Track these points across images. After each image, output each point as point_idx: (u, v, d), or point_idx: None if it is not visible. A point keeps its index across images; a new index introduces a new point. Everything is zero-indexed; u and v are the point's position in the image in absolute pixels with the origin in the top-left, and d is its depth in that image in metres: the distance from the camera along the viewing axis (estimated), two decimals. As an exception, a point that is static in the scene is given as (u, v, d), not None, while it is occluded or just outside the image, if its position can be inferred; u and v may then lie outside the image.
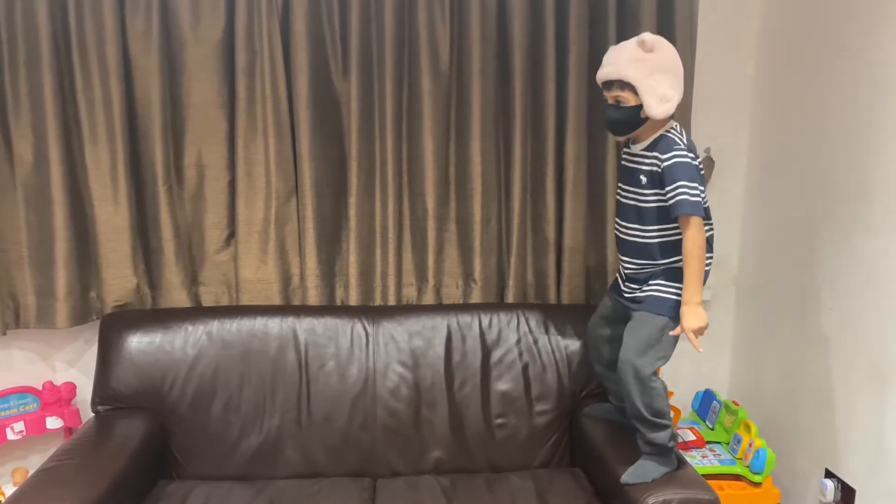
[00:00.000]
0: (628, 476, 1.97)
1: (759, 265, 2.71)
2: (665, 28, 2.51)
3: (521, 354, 2.44)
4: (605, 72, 1.94)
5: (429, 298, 2.64)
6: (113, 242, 2.42)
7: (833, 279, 2.29)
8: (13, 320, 2.37)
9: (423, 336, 2.44)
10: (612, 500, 2.05)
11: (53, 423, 2.45)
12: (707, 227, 1.97)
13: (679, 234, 1.95)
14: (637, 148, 2.00)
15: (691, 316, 1.90)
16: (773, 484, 2.42)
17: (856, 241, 2.18)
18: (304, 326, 2.42)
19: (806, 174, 2.42)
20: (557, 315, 2.50)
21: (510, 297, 2.63)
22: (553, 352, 2.44)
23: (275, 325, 2.41)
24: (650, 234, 2.00)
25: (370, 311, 2.49)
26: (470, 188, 2.57)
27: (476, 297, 2.63)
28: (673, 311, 1.97)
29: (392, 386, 2.38)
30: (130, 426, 2.22)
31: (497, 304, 2.59)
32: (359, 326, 2.44)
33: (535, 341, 2.45)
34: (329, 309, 2.51)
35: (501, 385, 2.41)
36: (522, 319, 2.48)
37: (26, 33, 2.29)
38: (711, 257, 2.01)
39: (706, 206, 1.95)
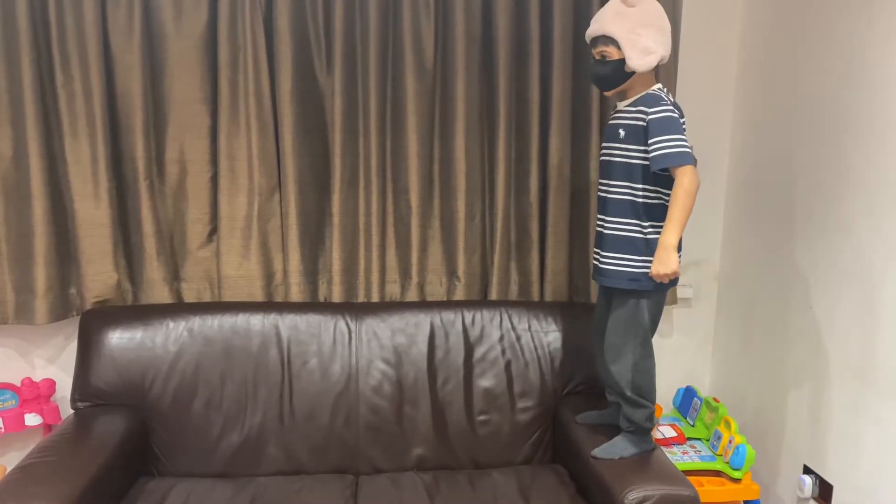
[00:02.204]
0: (600, 451, 2.04)
1: (740, 263, 2.73)
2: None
3: (503, 351, 2.44)
4: (591, 29, 2.00)
5: (412, 295, 2.64)
6: (93, 238, 2.40)
7: (812, 277, 2.31)
8: (-9, 316, 2.35)
9: (407, 333, 2.44)
10: (594, 496, 2.06)
11: (32, 419, 2.42)
12: None
13: (639, 194, 1.98)
14: (623, 104, 2.03)
15: (660, 262, 1.91)
16: (752, 480, 2.44)
17: (834, 239, 2.21)
18: (287, 323, 2.41)
19: (786, 173, 2.44)
20: (540, 312, 2.51)
21: (493, 295, 2.64)
22: (536, 349, 2.45)
23: (257, 322, 2.40)
24: (613, 189, 2.01)
25: (353, 308, 2.49)
26: (454, 185, 2.57)
27: (460, 295, 2.64)
28: (630, 283, 1.99)
29: (375, 383, 2.38)
30: (110, 423, 2.20)
31: (480, 302, 2.60)
32: (342, 323, 2.43)
33: (518, 338, 2.46)
34: (312, 306, 2.50)
35: (484, 382, 2.42)
36: (506, 316, 2.48)
37: (5, 25, 2.26)
38: None
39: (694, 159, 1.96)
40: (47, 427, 2.46)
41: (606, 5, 1.99)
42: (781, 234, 2.46)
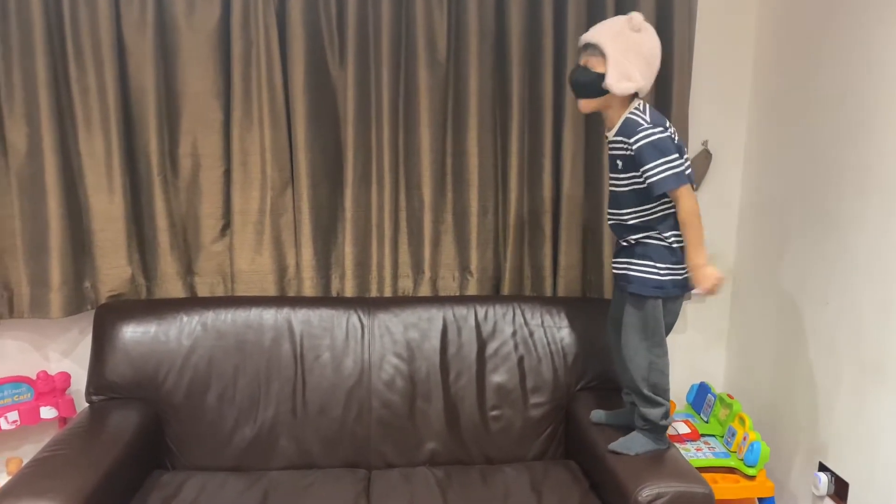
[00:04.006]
0: (617, 445, 2.05)
1: (755, 259, 2.71)
2: (663, 19, 2.50)
3: (516, 347, 2.44)
4: (588, 34, 1.99)
5: (425, 290, 2.63)
6: (107, 232, 2.41)
7: (829, 274, 2.29)
8: (7, 310, 2.36)
9: (419, 328, 2.44)
10: (607, 492, 2.05)
11: (48, 412, 2.44)
12: None
13: (655, 211, 1.98)
14: (611, 135, 2.03)
15: (702, 279, 1.93)
16: (766, 477, 2.42)
17: (852, 235, 2.18)
18: (300, 317, 2.41)
19: (803, 168, 2.41)
20: (553, 307, 2.50)
21: (506, 290, 2.63)
22: (548, 344, 2.44)
23: (270, 316, 2.40)
24: (626, 217, 2.02)
25: (366, 303, 2.49)
26: (466, 180, 2.56)
27: (472, 290, 2.63)
28: (654, 291, 1.99)
29: (387, 378, 2.38)
30: (125, 416, 2.21)
31: (493, 297, 2.59)
32: (354, 318, 2.43)
33: (531, 334, 2.45)
34: (324, 300, 2.50)
35: (497, 377, 2.41)
36: (518, 312, 2.47)
37: (19, 20, 2.26)
38: None
39: (688, 172, 1.95)
40: (62, 420, 2.48)
41: (613, 19, 1.99)
42: (797, 230, 2.44)
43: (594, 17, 2.47)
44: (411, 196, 2.58)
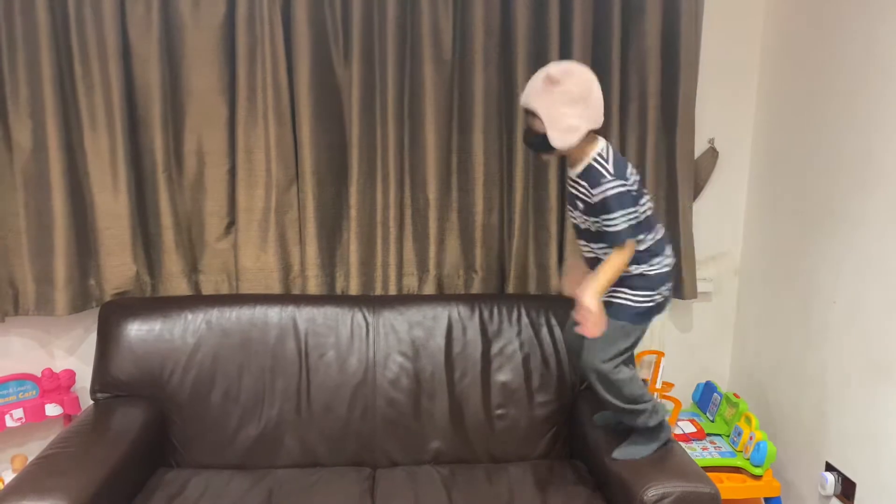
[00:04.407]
0: (619, 453, 2.04)
1: (761, 257, 2.69)
2: (670, 18, 2.49)
3: (521, 346, 2.43)
4: (521, 98, 1.98)
5: (430, 288, 2.62)
6: (112, 230, 2.41)
7: (836, 272, 2.27)
8: (12, 307, 2.36)
9: (424, 326, 2.43)
10: (612, 492, 2.04)
11: (52, 410, 2.44)
12: (651, 236, 1.98)
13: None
14: (573, 173, 2.00)
15: (590, 296, 1.91)
16: (773, 477, 2.41)
17: (859, 233, 2.17)
18: (304, 316, 2.40)
19: (810, 166, 2.40)
20: (559, 306, 2.48)
21: (511, 288, 2.62)
22: (554, 343, 2.43)
23: (275, 314, 2.39)
24: (599, 251, 2.02)
25: (371, 301, 2.48)
26: (472, 178, 2.55)
27: (477, 288, 2.62)
28: (633, 318, 2.00)
29: (392, 376, 2.37)
30: (129, 414, 2.21)
31: (498, 295, 2.58)
32: (359, 316, 2.43)
33: (537, 333, 2.44)
34: (329, 298, 2.50)
35: (502, 376, 2.40)
36: (524, 311, 2.46)
37: (24, 18, 2.26)
38: (667, 259, 2.01)
39: (644, 217, 1.95)
40: (67, 417, 2.49)
41: (534, 78, 1.94)
42: (804, 228, 2.43)
43: (600, 17, 2.47)
44: (416, 194, 2.57)
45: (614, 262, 1.92)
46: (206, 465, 2.28)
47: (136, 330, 2.32)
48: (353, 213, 2.54)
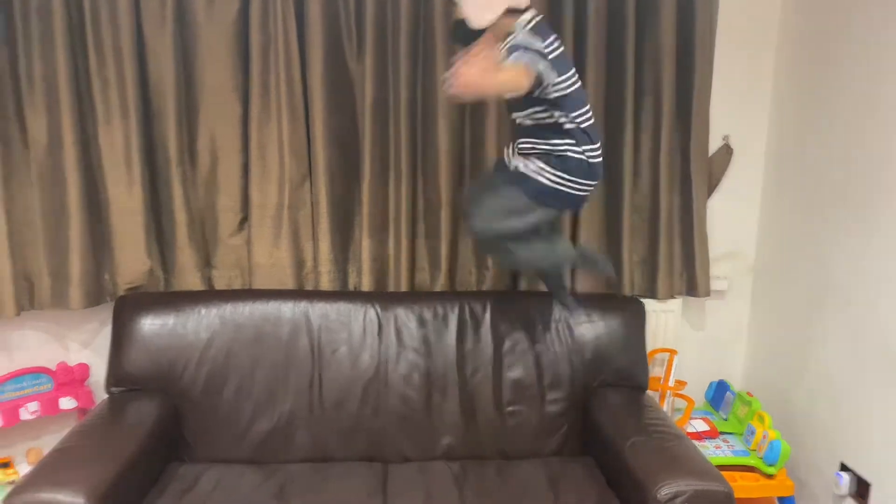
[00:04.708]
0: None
1: (776, 256, 2.68)
2: (685, 14, 2.47)
3: (534, 343, 2.42)
4: None
5: (442, 285, 2.62)
6: (127, 225, 2.42)
7: (852, 270, 2.25)
8: (28, 301, 2.37)
9: (436, 323, 2.43)
10: (624, 489, 2.03)
11: (67, 403, 2.46)
12: (579, 114, 1.94)
13: (551, 117, 1.94)
14: (500, 57, 1.89)
15: (474, 66, 1.78)
16: (786, 476, 2.40)
17: (875, 232, 2.15)
18: (317, 311, 2.41)
19: (825, 164, 2.38)
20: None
21: (524, 285, 2.61)
22: (566, 341, 2.42)
23: (287, 310, 2.40)
24: (522, 117, 1.99)
25: (383, 298, 2.48)
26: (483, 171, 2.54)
27: (489, 285, 2.62)
28: (536, 196, 1.96)
29: (404, 372, 2.38)
30: (143, 408, 2.22)
31: (511, 292, 2.58)
32: (371, 312, 2.43)
33: (548, 330, 2.44)
34: (342, 294, 2.50)
35: (513, 373, 2.40)
36: (536, 307, 2.46)
37: (40, 13, 2.27)
38: (594, 150, 1.97)
39: (571, 91, 1.91)
40: (81, 411, 2.50)
41: None
42: (820, 227, 2.41)
43: (615, 7, 2.45)
44: (429, 190, 2.57)
45: (506, 70, 1.79)
46: (219, 459, 2.29)
47: (150, 324, 2.33)
48: (366, 209, 2.54)
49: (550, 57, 1.88)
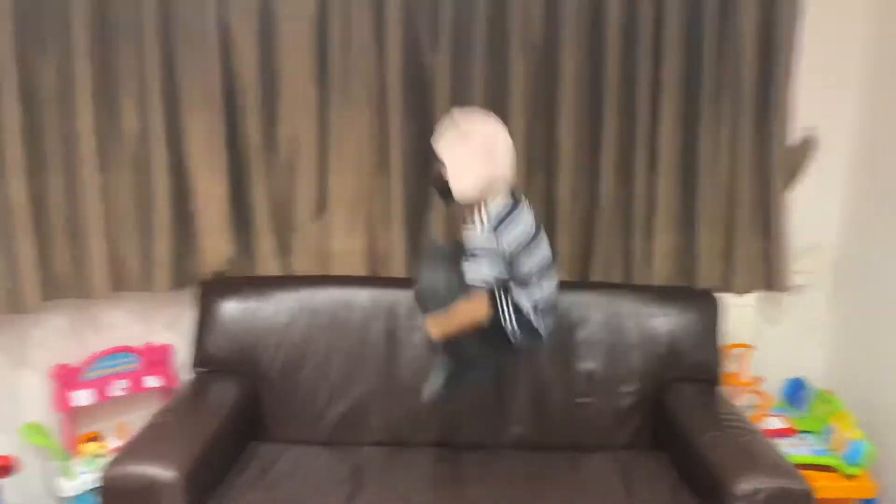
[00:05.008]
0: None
1: (861, 250, 2.59)
2: (769, 6, 2.41)
3: (607, 334, 2.41)
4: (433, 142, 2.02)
5: (512, 275, 2.62)
6: (210, 211, 2.50)
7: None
8: (118, 283, 2.48)
9: (508, 312, 2.44)
10: (699, 484, 2.01)
11: (153, 382, 2.56)
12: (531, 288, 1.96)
13: None
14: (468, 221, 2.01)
15: (435, 330, 1.95)
16: (869, 478, 2.33)
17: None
18: (391, 298, 2.45)
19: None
20: (645, 296, 2.46)
21: (595, 277, 2.60)
22: (640, 333, 2.40)
23: (362, 297, 2.45)
24: None
25: (455, 286, 2.50)
26: (557, 165, 2.54)
27: (561, 277, 2.60)
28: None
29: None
30: (225, 389, 2.31)
31: (582, 283, 2.57)
32: (443, 301, 2.45)
33: (622, 322, 2.42)
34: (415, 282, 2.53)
35: (586, 364, 2.40)
36: (609, 299, 2.45)
37: (133, 8, 2.36)
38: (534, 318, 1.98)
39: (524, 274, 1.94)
40: (166, 390, 2.61)
41: (443, 124, 2.00)
42: (910, 221, 2.32)
43: (695, 4, 2.41)
44: (501, 181, 2.57)
45: (463, 310, 1.89)
46: (296, 440, 2.35)
47: (232, 308, 2.41)
48: (438, 200, 2.55)
49: (512, 250, 1.91)
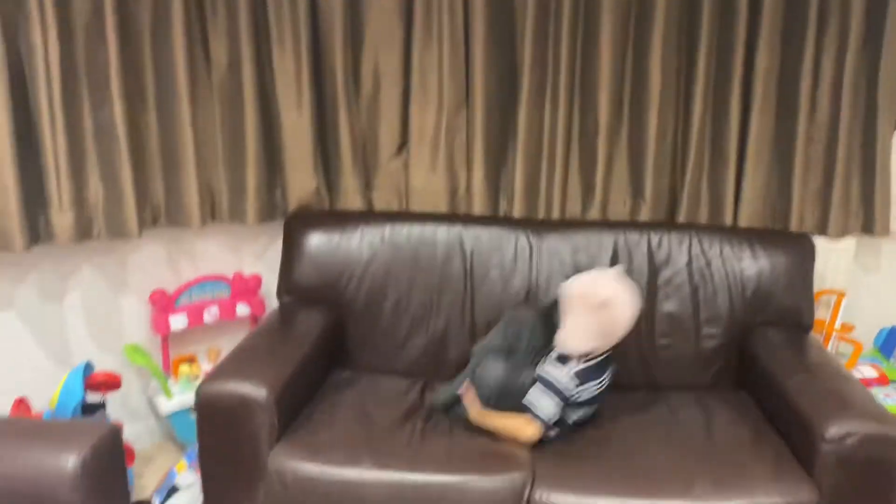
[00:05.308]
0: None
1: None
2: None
3: (691, 276, 2.36)
4: (564, 284, 2.06)
5: (594, 215, 2.60)
6: (297, 146, 2.55)
7: None
8: (210, 214, 2.57)
9: (588, 252, 2.42)
10: (785, 426, 1.97)
11: (242, 310, 2.67)
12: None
13: None
14: (557, 350, 2.04)
15: (476, 414, 2.02)
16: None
17: None
18: (470, 235, 2.46)
19: None
20: (734, 238, 2.39)
21: (682, 217, 2.54)
22: (727, 276, 2.34)
23: (442, 233, 2.47)
24: None
25: (534, 224, 2.50)
26: (646, 101, 2.47)
27: (644, 216, 2.56)
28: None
29: (554, 298, 2.39)
30: (311, 318, 2.38)
31: (668, 224, 2.52)
32: (523, 238, 2.45)
33: (708, 264, 2.36)
34: (494, 219, 2.54)
35: (668, 306, 2.36)
36: (695, 241, 2.39)
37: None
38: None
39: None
40: (254, 318, 2.72)
41: (587, 281, 2.04)
42: None
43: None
44: (586, 117, 2.52)
45: (513, 424, 1.96)
46: (376, 369, 2.42)
47: (318, 241, 2.47)
48: (521, 136, 2.53)
49: (580, 399, 1.99)
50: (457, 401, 2.10)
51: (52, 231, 2.23)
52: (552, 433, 1.99)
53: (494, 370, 2.05)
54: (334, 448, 1.91)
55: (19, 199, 2.11)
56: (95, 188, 2.29)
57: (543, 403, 1.95)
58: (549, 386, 1.97)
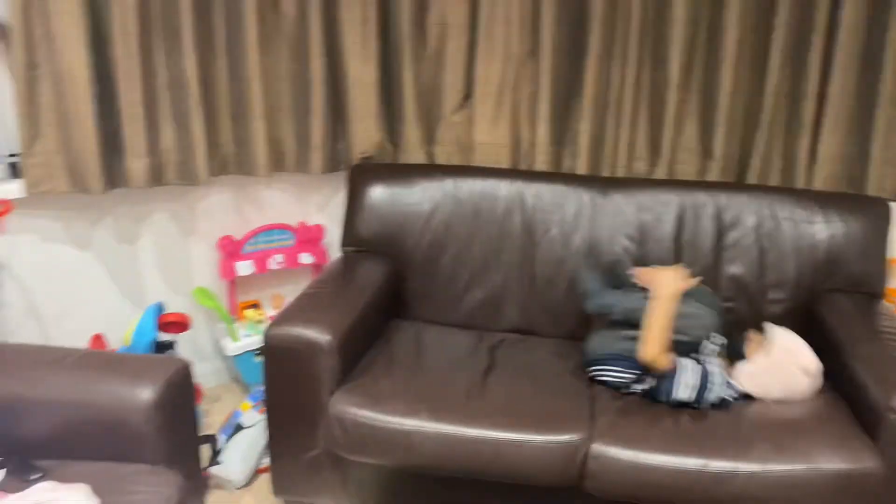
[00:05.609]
0: None
1: None
2: None
3: (758, 239, 2.30)
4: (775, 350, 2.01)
5: (660, 174, 2.55)
6: (362, 97, 2.56)
7: None
8: (277, 164, 2.62)
9: (653, 211, 2.38)
10: (851, 393, 1.92)
11: (305, 258, 2.74)
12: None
13: None
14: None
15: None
16: None
17: None
18: (532, 191, 2.45)
19: None
20: (806, 202, 2.31)
21: (752, 179, 2.47)
22: (797, 240, 2.27)
23: (504, 188, 2.46)
24: None
25: (598, 181, 2.46)
26: (720, 57, 2.39)
27: (713, 176, 2.51)
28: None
29: (615, 258, 2.37)
30: (372, 268, 2.42)
31: (737, 185, 2.45)
32: (585, 196, 2.42)
33: (777, 227, 2.30)
34: (557, 176, 2.51)
35: (733, 268, 2.31)
36: (765, 203, 2.32)
37: None
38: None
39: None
40: (316, 266, 2.78)
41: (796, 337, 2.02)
42: None
43: None
44: (656, 72, 2.46)
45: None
46: (435, 321, 2.45)
47: (380, 192, 2.50)
48: (588, 91, 2.49)
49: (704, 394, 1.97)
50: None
51: (128, 176, 2.31)
52: (640, 388, 2.01)
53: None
54: (393, 397, 1.95)
55: (98, 145, 2.19)
56: (168, 136, 2.36)
57: (687, 376, 1.96)
58: (704, 375, 1.97)
